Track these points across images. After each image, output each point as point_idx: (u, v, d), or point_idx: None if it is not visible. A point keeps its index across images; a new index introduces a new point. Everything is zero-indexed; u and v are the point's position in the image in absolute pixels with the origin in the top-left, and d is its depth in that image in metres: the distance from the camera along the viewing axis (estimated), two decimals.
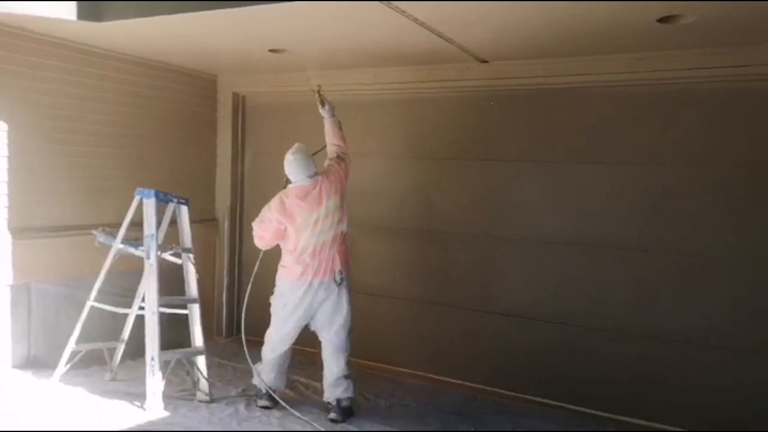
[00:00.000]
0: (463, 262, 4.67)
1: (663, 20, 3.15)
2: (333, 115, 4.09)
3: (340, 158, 3.99)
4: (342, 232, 3.87)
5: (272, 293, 3.93)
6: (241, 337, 3.96)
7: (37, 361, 4.18)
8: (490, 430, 3.79)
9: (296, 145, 3.90)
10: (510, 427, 3.83)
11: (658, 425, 3.99)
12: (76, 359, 4.06)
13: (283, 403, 3.85)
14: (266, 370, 3.94)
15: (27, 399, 3.72)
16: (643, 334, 4.05)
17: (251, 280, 4.08)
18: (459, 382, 4.57)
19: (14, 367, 4.10)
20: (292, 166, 3.83)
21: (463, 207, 4.67)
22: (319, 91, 4.13)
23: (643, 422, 4.02)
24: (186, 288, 4.17)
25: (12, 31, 3.97)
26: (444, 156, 4.72)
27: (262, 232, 3.88)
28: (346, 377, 3.83)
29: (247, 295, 4.12)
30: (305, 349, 4.26)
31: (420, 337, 4.83)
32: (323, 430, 3.60)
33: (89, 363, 4.23)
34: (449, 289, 4.71)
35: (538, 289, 4.40)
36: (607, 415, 4.10)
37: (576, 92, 4.24)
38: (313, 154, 3.98)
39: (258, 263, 4.06)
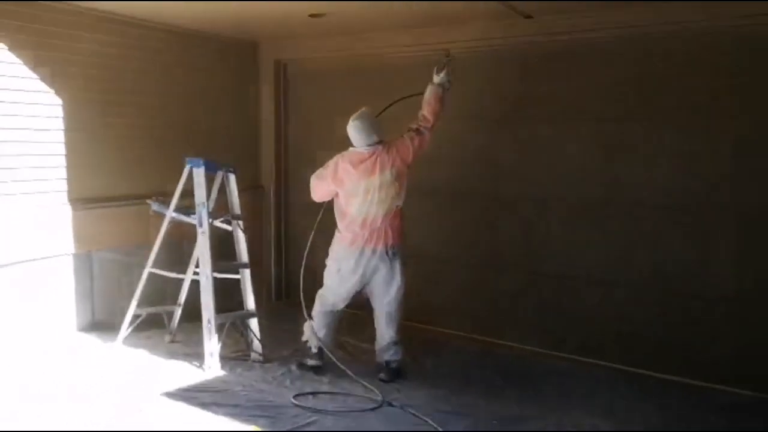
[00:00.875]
0: (511, 224, 4.64)
1: None
2: (441, 87, 3.80)
3: (419, 131, 3.78)
4: (397, 207, 3.83)
5: (326, 255, 3.97)
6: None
7: (100, 325, 4.42)
8: (537, 389, 3.80)
9: (361, 110, 3.80)
10: (556, 388, 3.84)
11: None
12: (137, 322, 4.27)
13: (333, 358, 3.92)
14: (316, 328, 4.00)
15: (96, 360, 3.95)
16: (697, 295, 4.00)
17: (308, 243, 4.10)
18: (506, 342, 4.60)
19: (79, 330, 4.34)
20: (351, 131, 3.77)
21: (510, 169, 4.62)
22: (448, 58, 3.82)
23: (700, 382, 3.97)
24: (237, 254, 4.29)
25: (65, 8, 4.06)
26: (486, 117, 4.65)
27: (316, 187, 3.95)
28: (396, 343, 3.91)
29: (304, 258, 4.14)
30: (354, 312, 4.34)
31: (468, 298, 4.85)
32: (372, 387, 3.68)
33: (148, 326, 4.43)
34: (499, 251, 4.70)
35: (585, 251, 4.34)
36: (657, 375, 4.06)
37: (633, 43, 4.08)
38: (378, 115, 3.85)
39: (318, 220, 4.07)
